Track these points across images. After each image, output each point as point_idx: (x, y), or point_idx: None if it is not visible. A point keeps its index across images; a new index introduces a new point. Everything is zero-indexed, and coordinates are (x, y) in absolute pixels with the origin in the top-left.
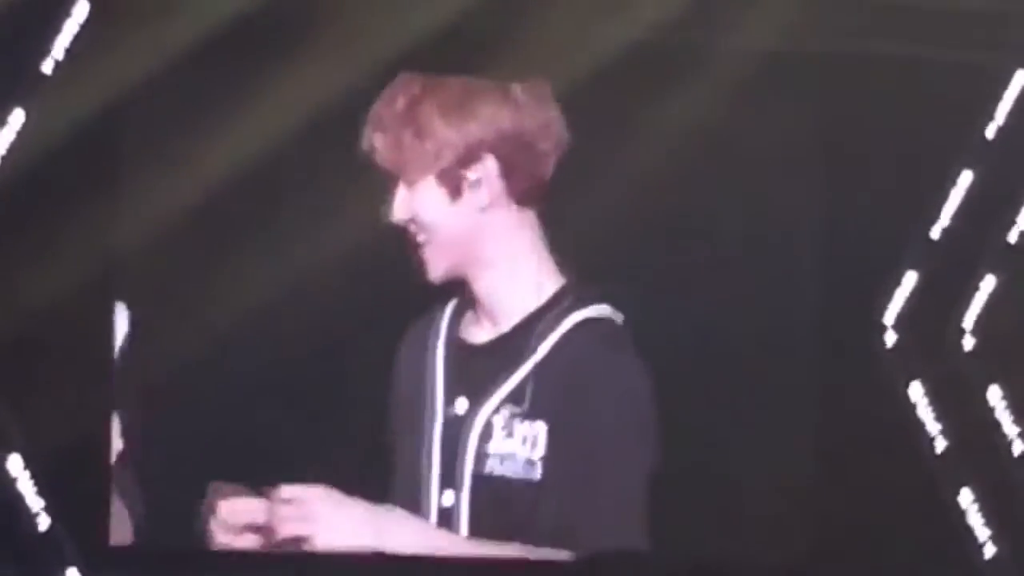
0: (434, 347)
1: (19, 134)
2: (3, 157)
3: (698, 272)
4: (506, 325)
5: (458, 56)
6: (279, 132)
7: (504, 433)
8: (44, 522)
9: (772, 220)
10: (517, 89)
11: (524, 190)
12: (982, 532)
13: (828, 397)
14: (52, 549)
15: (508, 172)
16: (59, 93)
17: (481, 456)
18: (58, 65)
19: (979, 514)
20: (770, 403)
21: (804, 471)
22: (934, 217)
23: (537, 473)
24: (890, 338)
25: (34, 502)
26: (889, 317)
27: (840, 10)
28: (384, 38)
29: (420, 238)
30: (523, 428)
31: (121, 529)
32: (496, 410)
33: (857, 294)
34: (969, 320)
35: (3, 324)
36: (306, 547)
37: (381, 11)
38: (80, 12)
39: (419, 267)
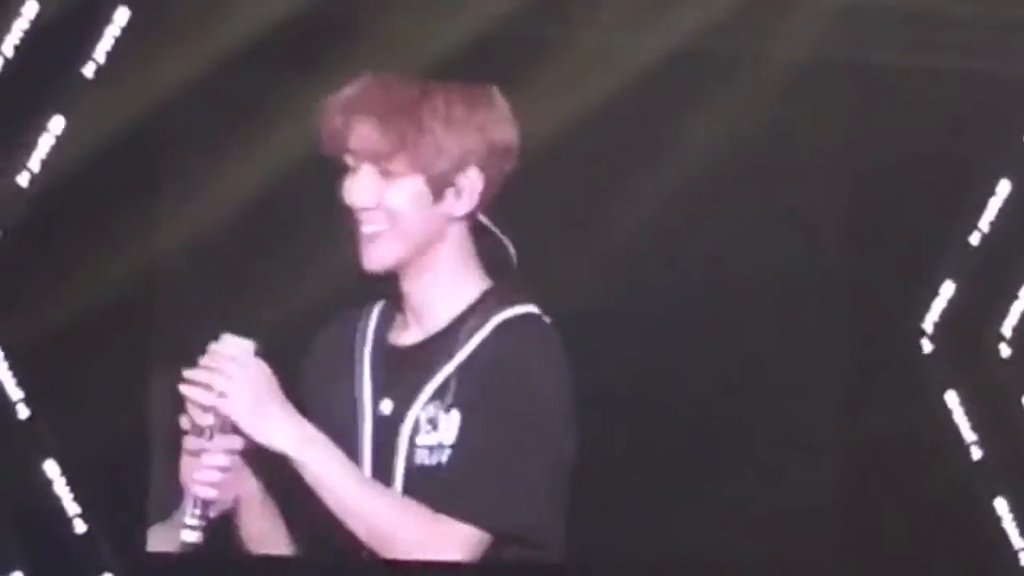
0: (361, 352)
1: (59, 139)
2: (44, 162)
3: (732, 279)
4: (434, 327)
5: (496, 64)
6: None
7: (430, 427)
8: (80, 526)
9: (808, 227)
10: (499, 99)
11: (487, 203)
12: (1018, 541)
13: (864, 404)
14: (88, 554)
15: (486, 185)
16: (100, 97)
17: (411, 452)
18: (99, 69)
19: (1015, 523)
20: (804, 411)
21: (837, 478)
22: (972, 225)
23: (456, 457)
24: (927, 346)
25: (70, 506)
26: (927, 325)
27: (875, 20)
28: (422, 46)
29: (374, 226)
30: (447, 419)
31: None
32: (423, 407)
33: (894, 302)
34: (1007, 328)
35: (41, 329)
36: (219, 418)
37: (421, 19)
38: (121, 17)
39: (359, 254)
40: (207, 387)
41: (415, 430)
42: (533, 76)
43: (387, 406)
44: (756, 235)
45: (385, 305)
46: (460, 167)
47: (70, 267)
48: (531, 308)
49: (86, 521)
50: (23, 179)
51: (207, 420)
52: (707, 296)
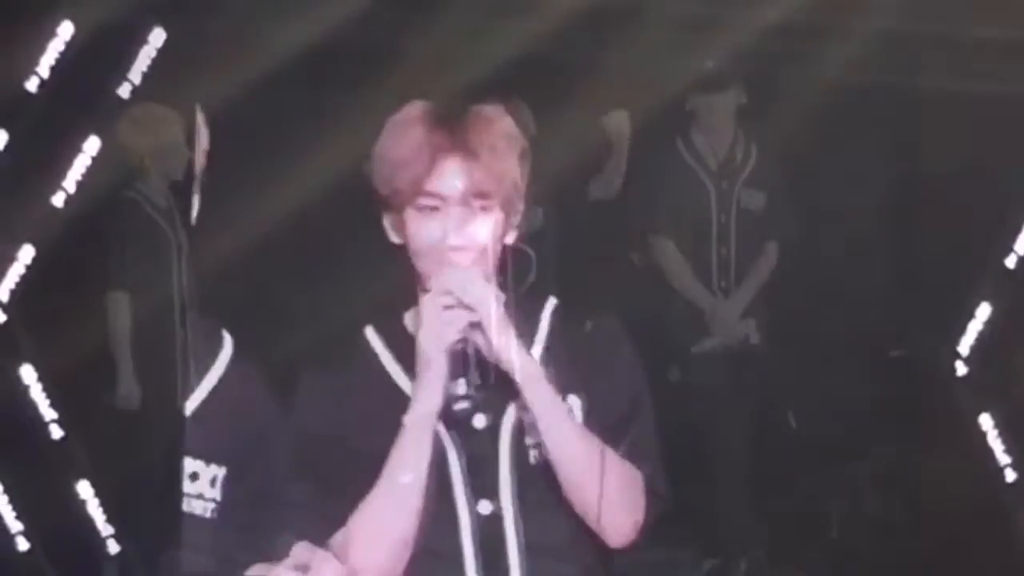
0: (397, 377)
1: (95, 159)
2: (79, 182)
3: (776, 297)
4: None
5: (532, 88)
6: (352, 158)
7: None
8: (114, 547)
9: (846, 250)
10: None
11: None
12: None
13: (899, 426)
14: (122, 573)
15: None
16: None
17: (521, 452)
18: (135, 90)
19: None
20: (841, 432)
21: (872, 499)
22: (1008, 248)
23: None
24: (962, 368)
25: (103, 527)
26: (963, 348)
27: (913, 46)
28: (457, 69)
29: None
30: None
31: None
32: (524, 409)
33: (930, 325)
34: None
35: (74, 352)
36: None
37: (453, 43)
38: (156, 38)
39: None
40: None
41: (518, 433)
42: (575, 98)
43: (480, 421)
44: (795, 258)
45: (391, 335)
46: (523, 194)
47: (103, 288)
48: (555, 300)
49: (119, 542)
50: (58, 199)
51: (457, 336)
52: (746, 315)
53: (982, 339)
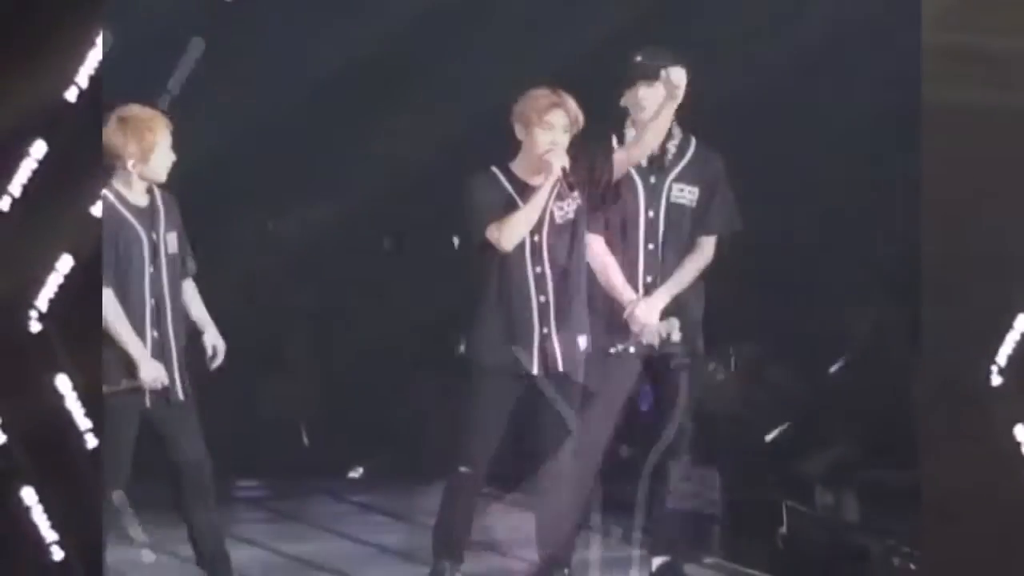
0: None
1: None
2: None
3: (808, 313)
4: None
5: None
6: (386, 173)
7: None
8: (148, 556)
9: (883, 262)
10: None
11: None
12: None
13: (934, 436)
14: None
15: None
16: (174, 128)
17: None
18: (172, 101)
19: None
20: (873, 445)
21: (909, 507)
22: None
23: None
24: (997, 379)
25: (137, 534)
26: (1000, 359)
27: (947, 61)
28: (475, 87)
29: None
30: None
31: None
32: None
33: (967, 337)
34: None
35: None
36: None
37: (487, 63)
38: (195, 49)
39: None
40: None
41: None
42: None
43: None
44: (833, 274)
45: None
46: None
47: None
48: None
49: (154, 551)
50: (96, 209)
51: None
52: (785, 334)
53: (1020, 350)
